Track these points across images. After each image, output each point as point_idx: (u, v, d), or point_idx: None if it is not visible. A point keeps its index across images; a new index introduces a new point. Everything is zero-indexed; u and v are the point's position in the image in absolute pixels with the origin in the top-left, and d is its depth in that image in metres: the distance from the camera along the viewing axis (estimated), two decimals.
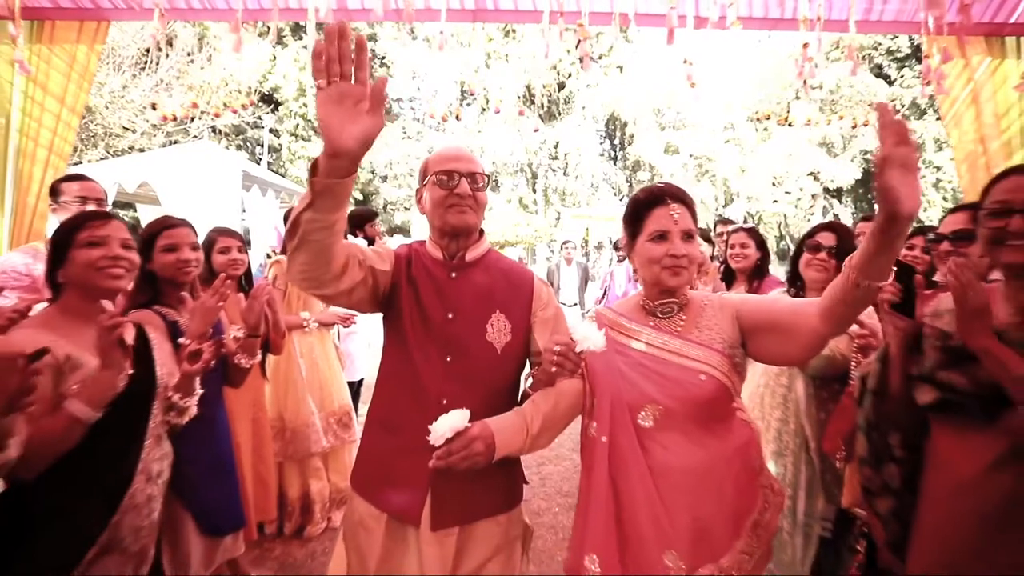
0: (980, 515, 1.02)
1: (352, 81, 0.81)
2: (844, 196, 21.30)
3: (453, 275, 1.27)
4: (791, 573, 1.89)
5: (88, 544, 1.08)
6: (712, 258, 3.22)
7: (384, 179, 20.89)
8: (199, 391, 1.31)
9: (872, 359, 1.36)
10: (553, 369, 1.09)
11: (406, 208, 20.70)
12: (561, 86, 20.42)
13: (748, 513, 1.18)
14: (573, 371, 1.10)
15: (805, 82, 3.57)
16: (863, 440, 1.34)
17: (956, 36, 3.28)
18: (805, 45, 3.53)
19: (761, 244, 2.47)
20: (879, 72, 19.63)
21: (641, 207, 1.22)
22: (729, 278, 2.67)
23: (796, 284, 2.02)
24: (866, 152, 19.38)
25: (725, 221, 3.92)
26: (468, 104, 21.41)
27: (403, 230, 20.14)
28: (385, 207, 20.86)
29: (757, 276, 2.52)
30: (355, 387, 3.28)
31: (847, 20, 3.37)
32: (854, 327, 1.66)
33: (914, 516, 1.18)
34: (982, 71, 3.50)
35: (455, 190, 1.20)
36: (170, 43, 9.09)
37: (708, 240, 3.00)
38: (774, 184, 19.94)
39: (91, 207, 1.95)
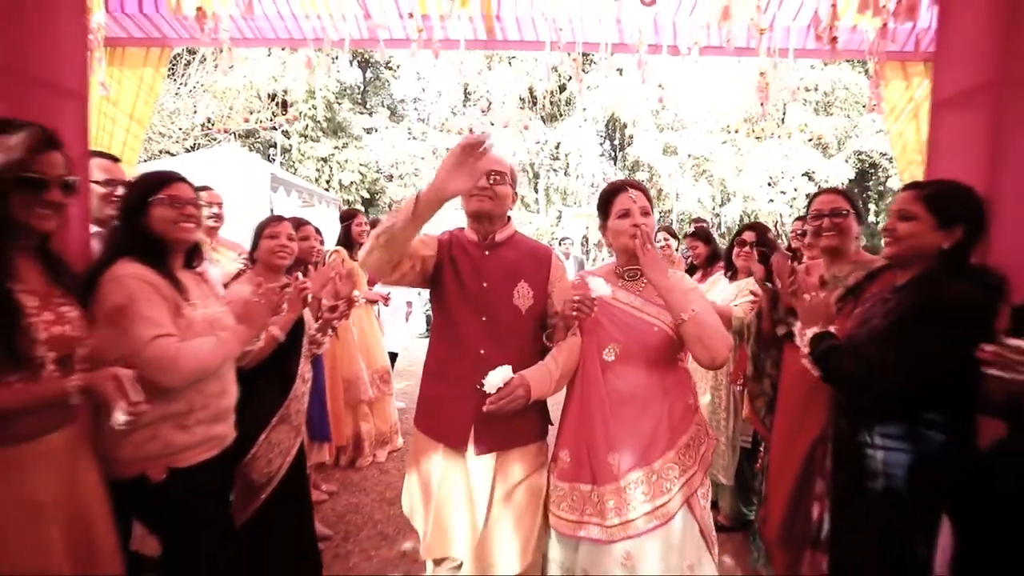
0: (803, 390, 1.75)
1: (472, 162, 1.22)
2: None
3: (486, 252, 1.55)
4: (726, 473, 2.63)
5: (273, 413, 1.81)
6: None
7: (389, 178, 21.42)
8: (331, 334, 2.04)
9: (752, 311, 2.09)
10: (574, 313, 1.39)
11: None
12: (562, 88, 21.01)
13: (681, 435, 1.45)
14: (588, 313, 1.40)
15: (763, 104, 4.26)
16: (751, 364, 2.08)
17: (899, 62, 3.92)
18: (762, 73, 4.23)
19: (707, 240, 3.21)
20: None
21: (608, 195, 1.54)
22: (692, 270, 3.41)
23: (731, 269, 2.75)
24: (860, 152, 19.97)
25: (698, 220, 4.64)
26: (472, 104, 22.00)
27: None
28: (390, 205, 21.44)
29: (711, 264, 3.24)
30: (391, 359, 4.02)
31: (802, 48, 3.95)
32: (750, 296, 2.39)
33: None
34: (921, 91, 4.16)
35: (478, 183, 1.45)
36: (192, 52, 9.83)
37: (674, 235, 3.72)
38: (770, 184, 20.52)
39: (215, 210, 2.69)
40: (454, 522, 1.51)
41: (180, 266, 1.45)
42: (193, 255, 1.50)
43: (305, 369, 1.95)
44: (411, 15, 3.58)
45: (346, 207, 8.75)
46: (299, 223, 2.18)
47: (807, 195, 21.34)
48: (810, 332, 1.42)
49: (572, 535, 1.44)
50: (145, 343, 1.23)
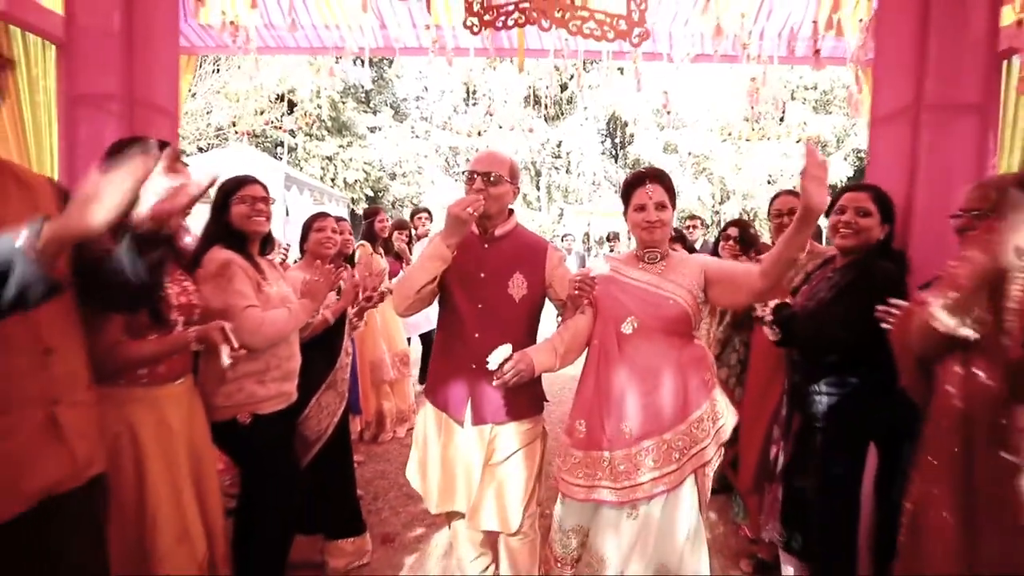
0: (769, 364, 2.08)
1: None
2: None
3: (486, 246, 1.68)
4: None
5: (323, 379, 2.14)
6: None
7: (392, 176, 21.71)
8: (365, 318, 2.37)
9: None
10: (576, 292, 1.52)
11: (414, 204, 21.56)
12: (564, 87, 21.27)
13: (694, 409, 1.50)
14: (590, 291, 1.52)
15: (752, 108, 4.57)
16: (717, 344, 2.40)
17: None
18: (753, 79, 4.53)
19: (683, 240, 3.55)
20: None
21: (628, 187, 1.61)
22: None
23: None
24: (859, 151, 20.19)
25: (691, 217, 4.96)
26: (474, 104, 22.29)
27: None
28: (394, 204, 21.73)
29: None
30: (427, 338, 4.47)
31: (788, 56, 4.22)
32: None
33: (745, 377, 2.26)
34: None
35: (472, 186, 1.62)
36: (204, 57, 10.15)
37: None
38: (769, 182, 20.72)
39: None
40: (456, 481, 1.68)
41: (257, 253, 1.78)
42: (266, 244, 1.82)
43: (347, 344, 2.28)
44: (428, 27, 3.89)
45: (368, 205, 9.09)
46: (337, 219, 2.51)
47: None
48: (773, 303, 1.72)
49: (584, 499, 1.53)
50: (238, 312, 1.56)
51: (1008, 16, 1.61)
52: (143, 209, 0.95)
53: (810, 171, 1.22)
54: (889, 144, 1.80)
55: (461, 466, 1.67)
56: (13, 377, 0.91)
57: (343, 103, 19.92)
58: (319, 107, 19.40)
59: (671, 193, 1.56)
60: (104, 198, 0.81)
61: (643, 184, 1.55)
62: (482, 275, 1.65)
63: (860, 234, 1.63)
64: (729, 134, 9.33)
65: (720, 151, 20.30)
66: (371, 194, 20.79)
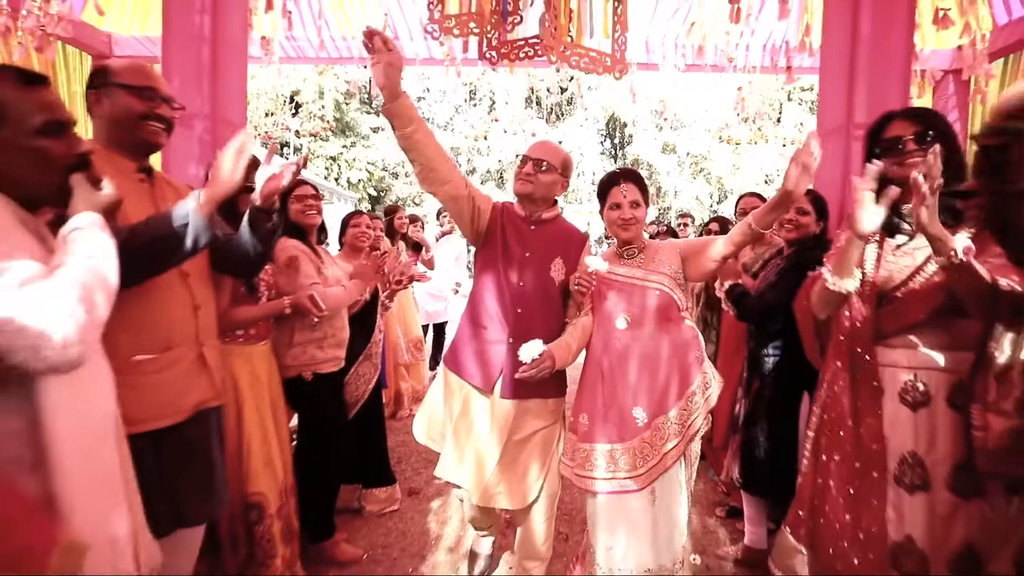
0: (734, 337, 2.46)
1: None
2: None
3: (532, 228, 1.76)
4: None
5: (360, 352, 2.52)
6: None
7: (395, 176, 22.00)
8: (394, 302, 2.75)
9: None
10: (575, 287, 1.61)
11: (416, 204, 21.86)
12: (563, 89, 21.58)
13: (688, 385, 1.61)
14: (589, 286, 1.60)
15: (738, 113, 4.95)
16: (699, 321, 2.79)
17: None
18: (739, 88, 4.92)
19: (675, 236, 3.95)
20: None
21: (604, 186, 1.70)
22: None
23: None
24: None
25: (684, 215, 5.35)
26: (476, 104, 22.62)
27: None
28: (396, 203, 21.99)
29: None
30: (440, 328, 4.87)
31: (773, 67, 4.55)
32: None
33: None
34: None
35: (523, 169, 1.73)
36: None
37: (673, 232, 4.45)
38: (766, 182, 21.03)
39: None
40: (466, 452, 1.74)
41: (315, 242, 2.16)
42: (322, 234, 2.21)
43: (380, 323, 2.67)
44: (441, 43, 4.26)
45: (370, 205, 9.41)
46: (371, 217, 2.89)
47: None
48: (727, 284, 2.13)
49: (596, 491, 1.61)
50: (305, 289, 1.94)
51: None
52: (256, 192, 1.34)
53: (800, 157, 1.28)
54: (829, 155, 2.17)
55: (472, 441, 1.72)
56: (176, 323, 1.29)
57: (346, 104, 20.22)
58: (323, 108, 19.74)
59: (644, 192, 1.67)
60: (230, 167, 1.23)
61: (618, 183, 1.66)
62: (527, 255, 1.73)
63: (800, 228, 2.03)
64: (720, 137, 9.68)
65: (718, 151, 20.56)
66: (374, 193, 21.06)
